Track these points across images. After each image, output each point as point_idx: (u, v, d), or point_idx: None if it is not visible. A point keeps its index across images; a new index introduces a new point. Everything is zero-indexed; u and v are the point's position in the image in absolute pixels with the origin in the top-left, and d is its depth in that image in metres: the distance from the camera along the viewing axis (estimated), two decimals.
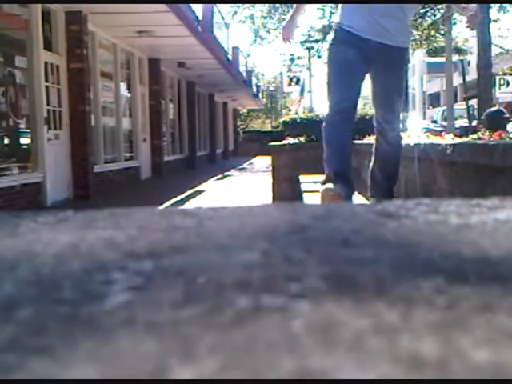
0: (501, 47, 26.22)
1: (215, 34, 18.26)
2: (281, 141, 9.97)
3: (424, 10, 18.65)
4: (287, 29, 3.77)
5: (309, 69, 30.93)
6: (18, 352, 0.40)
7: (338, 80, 3.37)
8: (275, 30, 24.59)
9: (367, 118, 8.61)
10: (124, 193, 11.10)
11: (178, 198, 9.84)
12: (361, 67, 3.35)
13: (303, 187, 6.29)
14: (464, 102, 16.65)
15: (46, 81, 9.14)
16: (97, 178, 10.52)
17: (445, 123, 16.46)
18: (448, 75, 14.63)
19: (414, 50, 22.14)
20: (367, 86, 3.79)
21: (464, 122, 17.69)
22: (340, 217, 0.88)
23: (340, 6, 3.50)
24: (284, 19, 23.58)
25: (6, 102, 8.21)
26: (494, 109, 10.44)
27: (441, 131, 11.63)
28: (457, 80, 19.90)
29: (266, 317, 0.45)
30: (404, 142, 3.84)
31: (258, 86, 39.56)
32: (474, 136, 5.11)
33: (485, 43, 14.59)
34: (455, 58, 21.13)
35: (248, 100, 34.35)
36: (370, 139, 6.08)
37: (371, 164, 3.61)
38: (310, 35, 25.45)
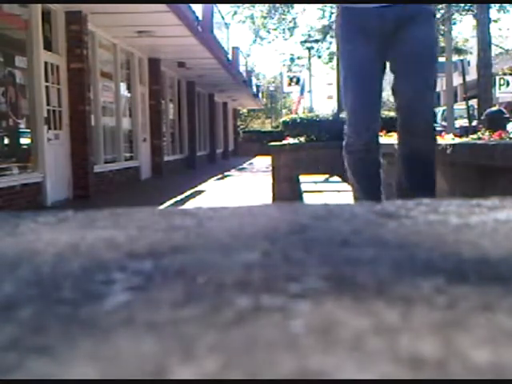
0: (501, 47, 26.22)
1: (215, 34, 18.26)
2: (281, 141, 9.97)
3: None
4: None
5: (309, 69, 30.95)
6: (17, 352, 0.40)
7: (358, 97, 2.79)
8: (275, 30, 24.60)
9: None
10: (124, 193, 11.11)
11: (178, 198, 9.84)
12: (379, 64, 2.80)
13: (303, 187, 6.28)
14: (464, 102, 16.65)
15: (46, 81, 9.14)
16: (97, 178, 10.52)
17: (445, 123, 16.45)
18: (448, 75, 14.64)
19: None
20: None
21: (464, 122, 17.69)
22: (340, 217, 0.88)
23: None
24: (284, 19, 23.28)
25: (6, 102, 8.21)
26: (494, 109, 10.45)
27: (441, 131, 11.64)
28: (457, 80, 19.90)
29: (265, 317, 0.45)
30: None
31: (258, 86, 39.58)
32: (474, 136, 5.11)
33: (485, 43, 14.61)
34: (455, 58, 21.13)
35: (248, 100, 34.37)
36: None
37: (397, 176, 2.88)
38: (309, 35, 25.46)
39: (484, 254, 0.63)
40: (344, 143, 2.87)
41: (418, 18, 2.73)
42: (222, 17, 21.97)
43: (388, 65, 2.85)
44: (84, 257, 0.66)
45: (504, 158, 2.57)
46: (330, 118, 9.64)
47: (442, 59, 17.26)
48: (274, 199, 8.66)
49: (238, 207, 1.02)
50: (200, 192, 10.88)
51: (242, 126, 47.26)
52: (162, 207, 5.60)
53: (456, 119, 17.53)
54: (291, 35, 25.06)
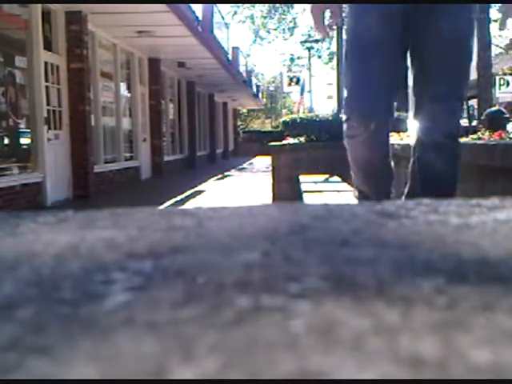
0: (501, 47, 26.22)
1: (215, 34, 18.27)
2: (281, 141, 9.98)
3: None
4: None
5: (309, 69, 30.96)
6: (17, 352, 0.40)
7: (361, 77, 2.30)
8: (275, 30, 24.61)
9: None
10: (124, 193, 11.11)
11: (178, 198, 9.84)
12: (396, 43, 2.30)
13: (303, 187, 6.29)
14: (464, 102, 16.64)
15: (46, 81, 9.14)
16: (97, 178, 10.53)
17: None
18: None
19: None
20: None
21: (464, 122, 17.69)
22: (340, 217, 0.88)
23: None
24: (284, 19, 23.28)
25: (6, 102, 8.21)
26: (494, 109, 10.44)
27: None
28: None
29: (266, 317, 0.45)
30: (404, 142, 3.81)
31: (258, 86, 39.60)
32: (474, 136, 5.11)
33: (485, 43, 14.60)
34: None
35: (248, 100, 34.39)
36: None
37: (406, 189, 2.46)
38: (309, 35, 25.45)
39: (484, 254, 0.63)
40: (344, 130, 2.40)
41: (447, 10, 2.26)
42: (222, 17, 21.98)
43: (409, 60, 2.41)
44: (84, 257, 0.66)
45: (504, 158, 2.57)
46: (330, 118, 9.65)
47: None
48: (274, 199, 8.66)
49: (238, 207, 1.02)
50: (200, 192, 10.88)
51: (241, 126, 47.30)
52: (161, 207, 5.60)
53: None
54: (291, 35, 25.11)
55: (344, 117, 2.39)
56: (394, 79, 2.37)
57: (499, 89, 21.43)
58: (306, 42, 25.36)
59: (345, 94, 2.40)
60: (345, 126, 2.40)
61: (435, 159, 2.31)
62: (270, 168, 9.44)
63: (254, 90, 34.15)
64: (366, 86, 2.30)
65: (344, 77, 2.44)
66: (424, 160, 2.35)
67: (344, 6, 2.99)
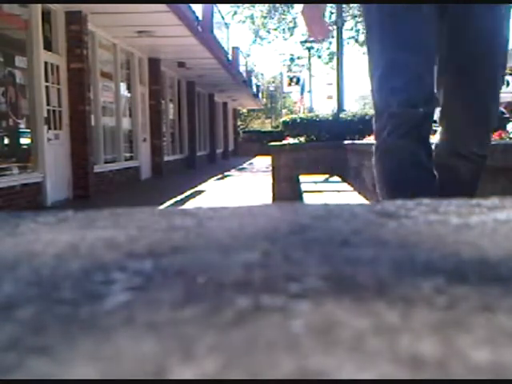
0: None
1: (215, 34, 18.28)
2: (281, 141, 9.99)
3: None
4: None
5: (309, 69, 30.96)
6: (17, 352, 0.40)
7: (392, 52, 1.87)
8: (275, 29, 24.60)
9: (367, 117, 8.61)
10: (124, 193, 11.11)
11: (178, 198, 9.85)
12: (433, 18, 1.89)
13: (303, 187, 6.29)
14: None
15: (46, 81, 9.15)
16: (97, 178, 10.53)
17: None
18: None
19: None
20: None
21: None
22: (340, 217, 0.88)
23: None
24: (284, 19, 23.18)
25: (6, 102, 8.21)
26: None
27: None
28: None
29: (265, 317, 0.45)
30: None
31: (258, 86, 39.61)
32: None
33: None
34: None
35: (248, 100, 34.40)
36: (371, 139, 6.03)
37: None
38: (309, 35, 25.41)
39: (484, 254, 0.63)
40: (375, 135, 1.96)
41: (480, 9, 1.93)
42: (222, 17, 21.99)
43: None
44: (84, 257, 0.66)
45: (504, 158, 2.57)
46: (330, 118, 9.65)
47: None
48: (274, 199, 8.66)
49: (238, 207, 1.02)
50: (200, 192, 10.88)
51: (241, 126, 47.32)
52: (161, 207, 5.60)
53: None
54: (291, 35, 25.07)
55: (377, 111, 1.93)
56: (434, 61, 1.93)
57: None
58: (305, 41, 25.34)
59: (376, 86, 1.93)
60: (379, 126, 1.91)
61: (458, 170, 2.06)
62: (270, 168, 9.44)
63: (254, 90, 34.17)
64: (410, 63, 1.86)
65: (372, 56, 1.97)
66: (443, 168, 2.01)
67: (344, 5, 2.96)
